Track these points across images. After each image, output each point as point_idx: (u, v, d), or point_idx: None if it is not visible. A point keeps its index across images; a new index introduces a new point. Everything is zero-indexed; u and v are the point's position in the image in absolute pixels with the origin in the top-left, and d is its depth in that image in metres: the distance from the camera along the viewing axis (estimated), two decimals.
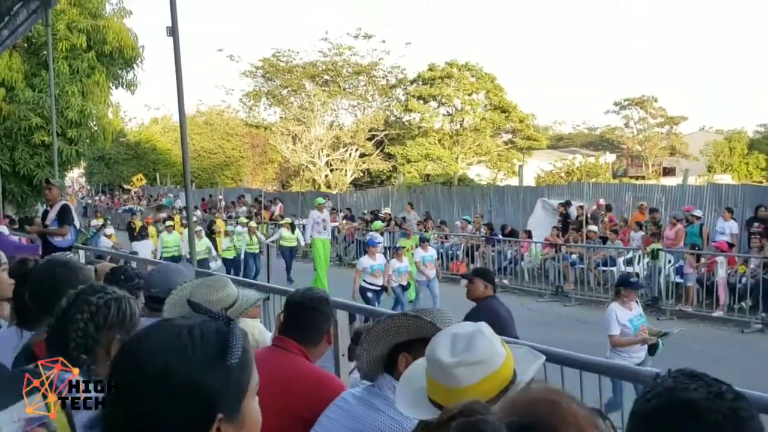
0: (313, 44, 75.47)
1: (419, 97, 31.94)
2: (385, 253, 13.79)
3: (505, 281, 14.17)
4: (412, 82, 32.93)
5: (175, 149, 34.01)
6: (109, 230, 15.62)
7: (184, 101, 6.67)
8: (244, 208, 23.90)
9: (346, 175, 33.32)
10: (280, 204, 23.45)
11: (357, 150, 33.28)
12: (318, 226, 14.33)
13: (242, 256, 14.89)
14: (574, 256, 13.82)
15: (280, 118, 35.55)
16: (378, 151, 33.29)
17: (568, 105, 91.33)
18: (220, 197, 27.04)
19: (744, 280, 11.04)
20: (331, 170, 33.68)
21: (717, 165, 38.16)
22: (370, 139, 33.05)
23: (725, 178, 31.32)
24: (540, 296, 13.57)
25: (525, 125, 33.04)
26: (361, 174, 34.18)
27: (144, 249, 14.34)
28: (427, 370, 1.47)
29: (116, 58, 14.48)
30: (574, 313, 12.07)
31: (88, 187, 44.14)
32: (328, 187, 31.92)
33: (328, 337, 2.51)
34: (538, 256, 14.55)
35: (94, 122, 14.56)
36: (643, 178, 38.30)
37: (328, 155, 33.48)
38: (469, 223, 17.12)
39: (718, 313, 11.09)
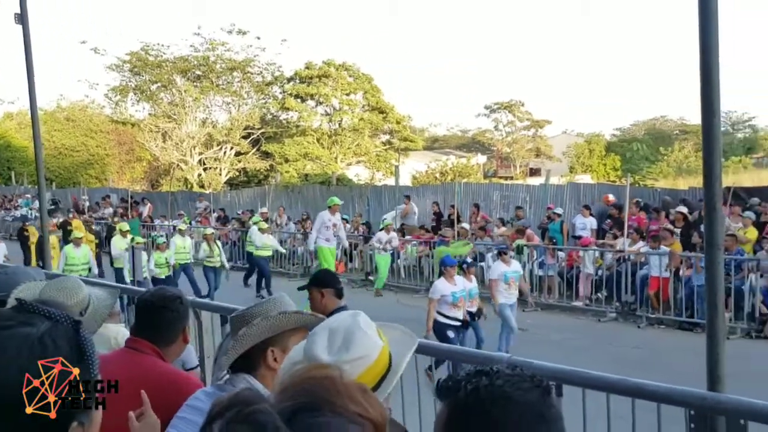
0: (185, 38, 72.80)
1: (297, 96, 31.66)
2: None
3: None
4: (289, 80, 32.59)
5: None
6: None
7: (39, 94, 6.25)
8: (110, 209, 22.61)
9: (220, 174, 32.41)
10: (149, 205, 22.41)
11: (232, 148, 32.46)
12: (327, 231, 11.74)
13: (199, 272, 12.71)
14: None
15: (149, 114, 33.97)
16: (254, 149, 32.65)
17: (443, 108, 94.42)
18: (84, 197, 25.40)
19: (600, 272, 11.90)
20: (205, 169, 32.62)
21: (578, 166, 40.83)
22: (245, 137, 32.34)
23: (585, 178, 33.54)
24: (416, 292, 13.88)
25: (402, 126, 33.66)
26: (237, 173, 33.38)
27: None
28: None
29: None
30: None
31: None
32: (202, 186, 30.89)
33: (184, 336, 2.45)
34: (413, 254, 14.89)
35: None
36: (511, 178, 40.24)
37: (200, 153, 32.41)
38: (348, 222, 17.19)
39: (577, 304, 11.89)
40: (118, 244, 12.52)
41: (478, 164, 40.30)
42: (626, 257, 11.44)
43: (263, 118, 33.18)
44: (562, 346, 9.20)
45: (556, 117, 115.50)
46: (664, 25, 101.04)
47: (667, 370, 7.49)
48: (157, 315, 2.36)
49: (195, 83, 32.04)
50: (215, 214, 20.26)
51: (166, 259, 12.11)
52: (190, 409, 1.87)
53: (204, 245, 12.86)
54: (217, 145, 32.52)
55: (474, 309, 7.97)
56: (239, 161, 32.79)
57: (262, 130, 32.40)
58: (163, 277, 11.92)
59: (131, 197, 21.24)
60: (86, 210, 22.70)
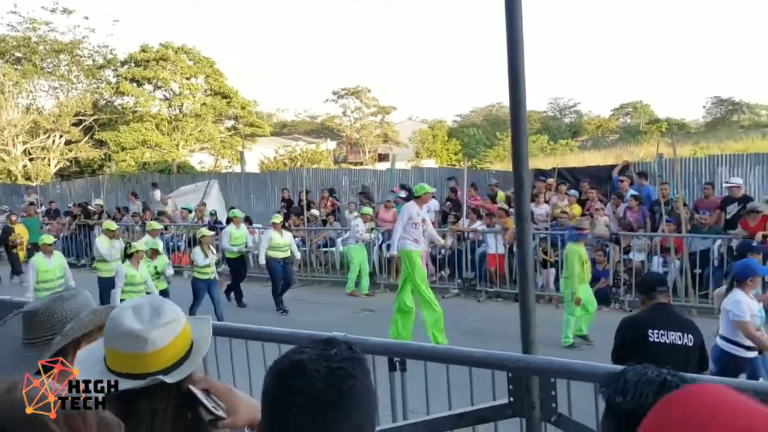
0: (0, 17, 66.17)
1: (132, 80, 29.79)
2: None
3: None
4: (123, 63, 30.57)
5: None
6: None
7: None
8: None
9: (49, 164, 29.83)
10: None
11: (61, 137, 29.95)
12: (415, 230, 8.53)
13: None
14: (297, 240, 14.25)
15: None
16: (87, 137, 30.37)
17: (291, 93, 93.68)
18: None
19: (443, 252, 12.48)
20: (31, 159, 29.86)
21: (423, 151, 42.33)
22: (76, 125, 29.95)
23: (430, 163, 34.91)
24: (267, 281, 13.72)
25: (247, 112, 32.88)
26: (68, 163, 30.90)
27: None
28: (109, 344, 1.49)
29: None
30: (298, 294, 12.46)
31: None
32: (28, 178, 28.29)
33: None
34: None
35: None
36: (361, 163, 40.87)
37: (25, 143, 29.59)
38: (190, 212, 16.56)
39: None
40: (106, 245, 10.11)
41: (328, 150, 40.54)
42: (465, 236, 12.09)
43: (96, 103, 30.90)
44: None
45: (402, 104, 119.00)
46: (498, 14, 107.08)
47: (505, 339, 8.03)
48: None
49: (15, 66, 29.13)
50: (43, 208, 18.68)
51: (155, 267, 9.46)
52: None
53: (198, 251, 10.23)
54: (45, 134, 29.86)
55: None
56: (70, 150, 30.35)
57: (95, 117, 30.18)
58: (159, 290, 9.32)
59: None
60: None
